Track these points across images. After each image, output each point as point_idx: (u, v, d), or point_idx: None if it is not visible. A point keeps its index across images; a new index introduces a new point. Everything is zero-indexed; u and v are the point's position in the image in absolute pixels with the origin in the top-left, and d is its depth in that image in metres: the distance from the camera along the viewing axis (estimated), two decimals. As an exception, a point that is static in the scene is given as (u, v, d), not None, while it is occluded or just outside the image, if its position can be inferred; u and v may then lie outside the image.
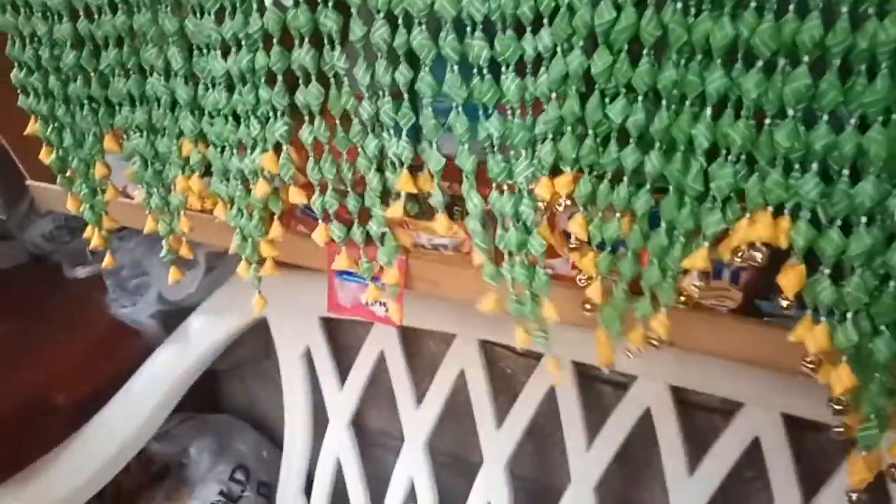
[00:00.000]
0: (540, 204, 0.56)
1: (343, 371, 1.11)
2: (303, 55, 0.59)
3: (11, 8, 0.73)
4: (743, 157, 0.48)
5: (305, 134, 0.63)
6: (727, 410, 0.85)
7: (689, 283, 0.54)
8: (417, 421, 1.05)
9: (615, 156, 0.52)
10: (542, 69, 0.52)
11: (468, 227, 0.61)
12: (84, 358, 1.18)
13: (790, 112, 0.45)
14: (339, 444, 1.14)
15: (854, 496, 0.51)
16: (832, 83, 0.43)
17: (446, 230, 0.62)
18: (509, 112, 0.55)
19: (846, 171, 0.44)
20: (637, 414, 0.89)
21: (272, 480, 1.26)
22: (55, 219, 1.27)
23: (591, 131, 0.52)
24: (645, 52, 0.48)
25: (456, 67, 0.54)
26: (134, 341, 1.19)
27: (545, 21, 0.50)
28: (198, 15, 0.63)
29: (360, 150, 0.63)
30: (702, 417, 0.90)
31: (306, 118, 0.62)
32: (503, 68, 0.53)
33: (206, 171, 0.72)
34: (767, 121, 0.46)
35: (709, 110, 0.48)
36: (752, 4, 0.44)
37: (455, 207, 0.67)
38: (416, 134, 0.60)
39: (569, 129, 0.53)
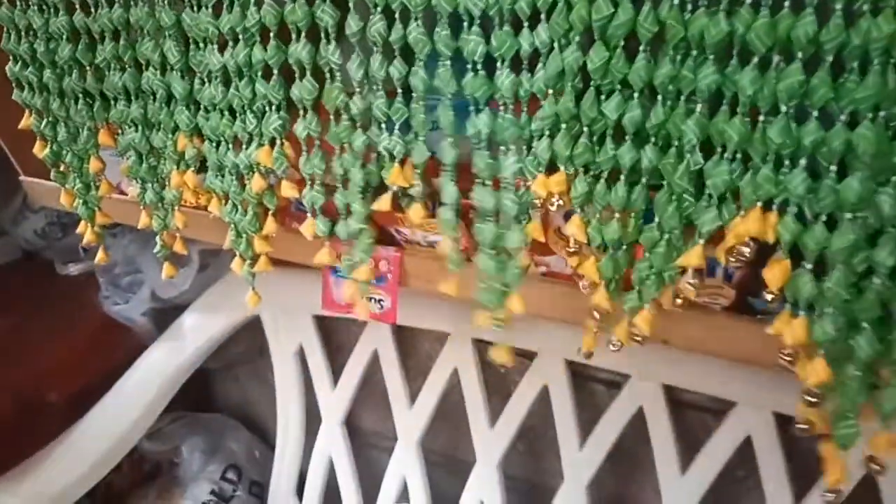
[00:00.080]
0: (536, 201, 0.56)
1: (336, 370, 1.11)
2: (299, 49, 0.59)
3: (7, 1, 0.72)
4: (738, 154, 0.48)
5: (300, 129, 0.63)
6: (719, 410, 0.85)
7: (685, 282, 0.54)
8: (410, 420, 1.05)
9: (611, 154, 0.52)
10: (539, 65, 0.52)
11: (440, 216, 0.61)
12: (76, 355, 1.18)
13: (783, 108, 0.45)
14: (332, 444, 1.13)
15: (831, 497, 0.51)
16: (824, 80, 0.43)
17: (420, 219, 0.62)
18: (501, 108, 0.55)
19: (834, 168, 0.45)
20: (630, 413, 0.89)
21: (264, 480, 1.26)
22: (48, 215, 1.27)
23: (585, 128, 0.52)
24: (641, 47, 0.48)
25: (448, 62, 0.54)
26: (126, 339, 1.18)
27: (542, 17, 0.50)
28: (195, 8, 0.63)
29: (346, 145, 0.63)
30: (694, 416, 0.90)
31: (301, 112, 0.62)
32: (498, 64, 0.53)
33: (202, 167, 0.72)
34: (761, 118, 0.46)
35: (699, 107, 0.48)
36: (748, 1, 0.44)
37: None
38: (408, 129, 0.60)
39: (564, 126, 0.53)
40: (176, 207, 0.76)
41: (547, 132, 0.54)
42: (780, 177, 0.46)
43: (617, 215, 0.54)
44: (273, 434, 1.22)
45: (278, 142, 0.65)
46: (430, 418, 1.03)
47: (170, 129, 0.70)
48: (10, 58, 0.76)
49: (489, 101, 0.55)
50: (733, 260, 0.50)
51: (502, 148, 0.57)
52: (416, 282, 0.73)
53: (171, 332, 1.16)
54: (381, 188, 0.64)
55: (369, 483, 1.12)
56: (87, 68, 0.72)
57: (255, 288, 0.76)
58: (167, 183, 0.74)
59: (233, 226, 0.72)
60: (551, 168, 0.55)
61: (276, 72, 0.61)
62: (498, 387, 1.01)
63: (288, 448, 1.19)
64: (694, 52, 0.47)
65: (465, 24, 0.53)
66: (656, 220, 0.53)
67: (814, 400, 0.50)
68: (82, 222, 0.83)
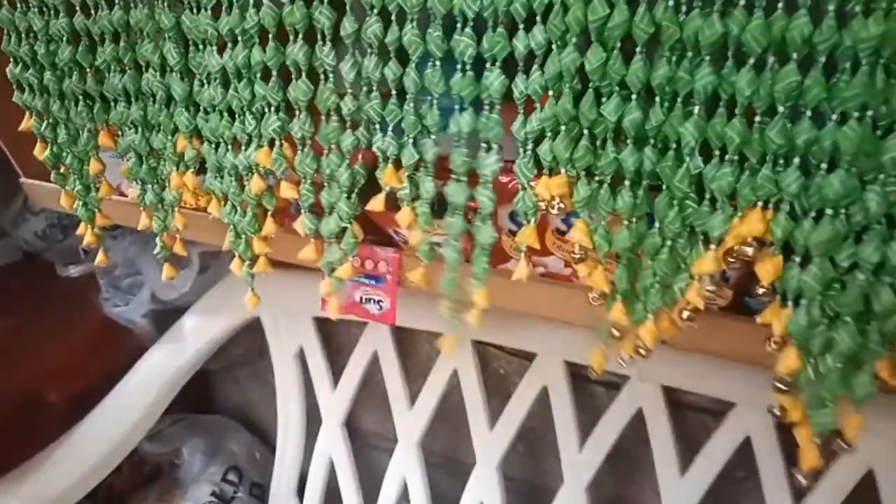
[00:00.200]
0: (542, 203, 0.57)
1: (336, 371, 1.11)
2: (296, 51, 0.59)
3: (7, 3, 0.73)
4: (736, 156, 0.48)
5: (295, 129, 0.63)
6: (719, 411, 0.85)
7: (704, 290, 0.53)
8: (410, 421, 1.05)
9: (612, 157, 0.52)
10: (535, 66, 0.53)
11: (417, 209, 0.61)
12: (76, 357, 1.18)
13: (781, 109, 0.45)
14: (332, 445, 1.13)
15: (804, 481, 0.53)
16: (817, 80, 0.43)
17: (408, 222, 0.62)
18: (487, 108, 0.55)
19: (824, 165, 0.45)
20: (629, 414, 0.89)
21: (265, 481, 1.26)
22: (48, 217, 1.27)
23: (585, 131, 0.52)
24: (638, 49, 0.48)
25: (438, 63, 0.55)
26: (127, 340, 1.19)
27: (538, 19, 0.51)
28: (194, 10, 0.63)
29: (332, 147, 0.63)
30: (693, 418, 0.90)
31: (297, 113, 0.63)
32: (488, 65, 0.54)
33: (202, 168, 0.72)
34: (757, 118, 0.47)
35: (697, 108, 0.48)
36: (741, 2, 0.44)
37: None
38: (402, 131, 0.61)
39: (563, 128, 0.53)
40: (176, 209, 0.76)
41: (548, 134, 0.54)
42: (776, 176, 0.47)
43: (626, 222, 0.54)
44: (273, 435, 1.22)
45: (277, 143, 0.65)
46: (429, 419, 1.03)
47: (169, 130, 0.71)
48: (11, 60, 0.76)
49: (474, 101, 0.55)
50: (733, 261, 0.51)
51: (483, 146, 0.57)
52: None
53: (172, 334, 1.17)
54: (377, 188, 0.64)
55: (370, 484, 1.12)
56: (88, 70, 0.72)
57: (254, 289, 0.76)
58: (167, 184, 0.74)
59: (232, 227, 0.72)
60: (546, 170, 0.56)
61: (274, 73, 0.62)
62: (497, 388, 1.01)
63: (288, 449, 1.19)
64: (690, 54, 0.47)
65: (459, 25, 0.53)
66: (657, 225, 0.53)
67: (784, 388, 0.52)
68: (82, 224, 0.83)
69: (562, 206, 0.55)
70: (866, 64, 0.42)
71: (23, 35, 0.73)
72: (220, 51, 0.64)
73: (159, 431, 1.27)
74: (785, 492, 0.82)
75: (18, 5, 0.72)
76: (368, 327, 1.06)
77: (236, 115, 0.66)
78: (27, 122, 0.79)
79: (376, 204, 0.64)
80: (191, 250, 1.08)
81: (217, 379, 1.39)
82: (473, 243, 0.61)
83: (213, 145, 0.69)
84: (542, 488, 1.03)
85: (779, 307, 0.51)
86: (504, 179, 0.64)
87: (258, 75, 0.62)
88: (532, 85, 0.52)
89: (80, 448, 1.14)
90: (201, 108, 0.68)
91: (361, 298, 0.79)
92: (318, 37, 0.58)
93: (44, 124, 0.78)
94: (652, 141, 0.51)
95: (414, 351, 1.09)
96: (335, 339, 1.14)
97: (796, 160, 0.46)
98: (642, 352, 0.57)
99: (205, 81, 0.66)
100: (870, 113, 0.43)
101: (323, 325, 1.11)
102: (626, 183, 0.52)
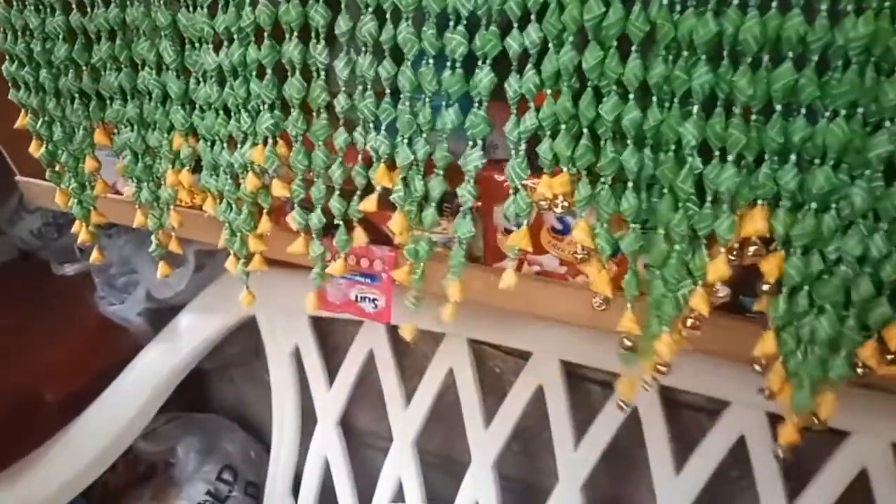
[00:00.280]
0: (543, 203, 0.57)
1: (332, 370, 1.11)
2: (291, 49, 0.59)
3: (4, 1, 0.73)
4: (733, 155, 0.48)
5: (290, 126, 0.63)
6: (713, 409, 0.86)
7: (708, 296, 0.53)
8: (406, 420, 1.05)
9: (611, 156, 0.52)
10: (529, 65, 0.53)
11: (405, 207, 0.62)
12: (72, 355, 1.18)
13: (778, 108, 0.46)
14: (328, 444, 1.13)
15: (781, 454, 0.55)
16: (811, 78, 0.44)
17: (402, 227, 0.63)
18: (476, 104, 0.55)
19: (818, 161, 0.46)
20: (625, 413, 0.89)
21: (260, 480, 1.26)
22: (44, 215, 1.27)
23: (585, 129, 0.52)
24: (634, 47, 0.48)
25: (431, 61, 0.55)
26: (122, 339, 1.18)
27: (532, 17, 0.51)
28: (190, 9, 0.63)
29: (318, 144, 0.63)
30: (688, 417, 0.91)
31: (292, 111, 0.63)
32: (479, 63, 0.54)
33: (197, 166, 0.72)
34: (753, 117, 0.47)
35: (696, 108, 0.48)
36: (735, 1, 0.44)
37: (445, 204, 0.67)
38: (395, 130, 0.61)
39: (564, 126, 0.53)
40: (171, 206, 0.76)
41: (548, 133, 0.54)
42: (774, 174, 0.47)
43: (633, 226, 0.54)
44: (269, 434, 1.22)
45: (270, 141, 0.65)
46: (425, 418, 1.04)
47: (165, 128, 0.71)
48: (7, 57, 0.76)
49: (461, 98, 0.56)
50: (733, 258, 0.51)
51: (469, 144, 0.57)
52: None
53: (167, 333, 1.16)
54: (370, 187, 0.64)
55: (365, 483, 1.12)
56: (84, 68, 0.72)
57: (249, 287, 0.76)
58: (162, 182, 0.74)
59: (227, 225, 0.72)
60: (540, 170, 0.56)
61: (269, 71, 0.62)
62: (493, 387, 1.01)
63: (283, 448, 1.19)
64: (685, 53, 0.47)
65: (452, 23, 0.53)
66: (660, 231, 0.52)
67: (759, 369, 0.54)
68: (77, 222, 0.83)
69: (565, 204, 0.55)
70: (856, 62, 0.42)
71: (19, 33, 0.73)
72: (216, 49, 0.64)
73: (154, 430, 1.27)
74: (779, 491, 0.82)
75: (14, 3, 0.72)
76: (364, 326, 1.06)
77: (232, 113, 0.66)
78: (22, 120, 0.79)
79: (368, 205, 0.64)
80: (186, 249, 1.08)
81: (212, 378, 1.39)
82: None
83: (209, 143, 0.69)
84: (537, 487, 1.04)
85: (772, 296, 0.52)
86: (500, 178, 0.64)
87: (254, 73, 0.63)
88: (526, 84, 0.52)
89: (75, 446, 1.14)
90: (197, 106, 0.68)
91: (356, 297, 0.79)
92: (313, 35, 0.59)
93: (39, 122, 0.78)
94: (651, 142, 0.51)
95: (409, 350, 1.09)
96: (331, 338, 1.14)
97: (793, 157, 0.46)
98: (662, 368, 0.56)
99: (201, 79, 0.66)
100: (860, 110, 0.43)
101: (318, 324, 1.11)
102: (630, 184, 0.52)
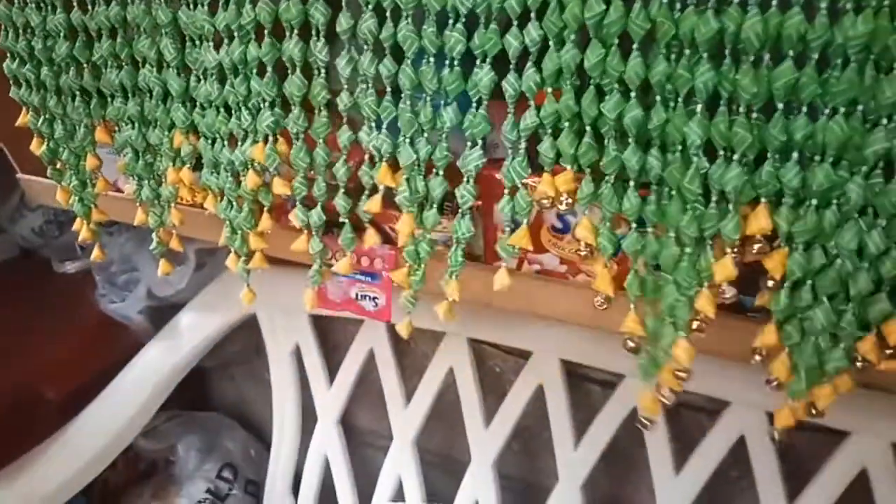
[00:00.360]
0: (545, 201, 0.57)
1: (332, 369, 1.11)
2: (291, 47, 0.59)
3: (5, -2, 0.73)
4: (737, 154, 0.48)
5: (290, 124, 0.63)
6: (713, 409, 0.85)
7: (714, 298, 0.52)
8: (406, 419, 1.05)
9: (613, 155, 0.52)
10: (529, 64, 0.53)
11: (408, 208, 0.62)
12: (73, 353, 1.18)
13: (780, 106, 0.46)
14: (328, 443, 1.14)
15: (776, 435, 0.57)
16: (812, 76, 0.44)
17: (410, 229, 0.62)
18: (476, 103, 0.55)
19: (818, 158, 0.46)
20: (624, 413, 0.89)
21: (260, 479, 1.26)
22: (45, 213, 1.27)
23: (588, 127, 0.52)
24: (635, 45, 0.48)
25: (431, 60, 0.55)
26: (122, 337, 1.19)
27: (532, 15, 0.51)
28: (191, 6, 0.63)
29: (319, 142, 0.63)
30: (688, 416, 0.91)
31: (293, 108, 0.63)
32: (478, 61, 0.54)
33: (198, 164, 0.72)
34: (753, 115, 0.47)
35: (700, 107, 0.48)
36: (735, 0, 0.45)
37: (445, 203, 0.67)
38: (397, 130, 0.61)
39: (567, 124, 0.53)
40: (172, 204, 0.76)
41: (548, 131, 0.54)
42: (776, 172, 0.48)
43: (634, 224, 0.54)
44: (269, 433, 1.22)
45: (271, 138, 0.65)
46: (425, 417, 1.04)
47: (166, 126, 0.71)
48: (8, 55, 0.76)
49: (459, 96, 0.56)
50: (735, 256, 0.51)
51: (468, 143, 0.57)
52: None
53: (168, 331, 1.17)
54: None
55: (365, 482, 1.12)
56: (85, 66, 0.72)
57: (249, 285, 0.76)
58: (163, 180, 0.74)
59: (228, 222, 0.72)
60: (539, 168, 0.56)
61: (269, 69, 0.62)
62: (493, 386, 1.01)
63: (284, 447, 1.19)
64: (687, 51, 0.47)
65: (451, 21, 0.53)
66: (670, 233, 0.52)
67: (759, 358, 0.54)
68: (78, 219, 0.83)
69: (569, 201, 0.55)
70: (855, 61, 0.43)
71: (20, 30, 0.73)
72: (217, 46, 0.64)
73: (155, 428, 1.27)
74: (779, 491, 0.82)
75: (16, 0, 0.72)
76: (364, 325, 1.06)
77: (232, 111, 0.66)
78: (24, 118, 0.80)
79: (372, 205, 0.64)
80: (187, 247, 1.08)
81: (213, 376, 1.39)
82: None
83: (210, 141, 0.69)
84: (537, 486, 1.03)
85: (773, 291, 0.52)
86: (500, 177, 0.64)
87: (254, 71, 0.63)
88: (527, 82, 0.53)
89: (75, 444, 1.14)
90: (198, 103, 0.68)
91: (357, 295, 0.79)
92: (314, 32, 0.59)
93: (40, 120, 0.78)
94: (657, 142, 0.51)
95: (410, 349, 1.09)
96: (331, 336, 1.14)
97: (795, 155, 0.47)
98: (682, 375, 0.56)
99: (201, 77, 0.66)
100: (860, 107, 0.44)
101: (319, 322, 1.11)
102: (632, 184, 0.52)
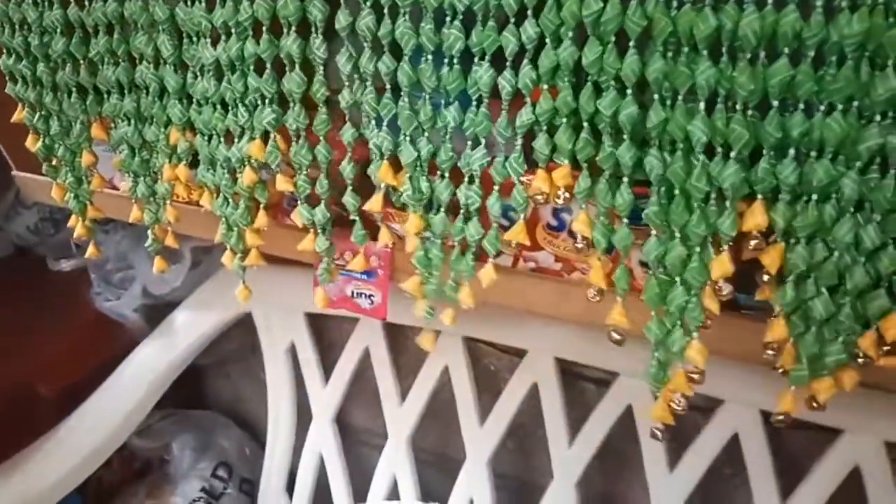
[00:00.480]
0: (539, 197, 0.57)
1: (328, 367, 1.11)
2: (289, 43, 0.59)
3: (1, -5, 0.73)
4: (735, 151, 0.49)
5: (290, 121, 0.63)
6: (707, 407, 0.86)
7: (718, 293, 0.52)
8: (401, 418, 1.05)
9: (609, 151, 0.52)
10: (525, 61, 0.53)
11: (412, 212, 0.62)
12: (68, 350, 1.18)
13: (775, 103, 0.46)
14: (323, 441, 1.13)
15: (779, 418, 0.56)
16: (808, 74, 0.44)
17: (418, 229, 0.63)
18: (476, 102, 0.55)
19: (814, 154, 0.47)
20: (619, 411, 0.89)
21: (255, 477, 1.26)
22: (40, 211, 1.27)
23: (585, 123, 0.53)
24: (631, 43, 0.49)
25: (430, 57, 0.55)
26: (118, 335, 1.18)
27: (529, 13, 0.51)
28: (188, 3, 0.63)
29: (321, 138, 0.63)
30: (682, 414, 0.91)
31: (291, 105, 0.63)
32: (476, 59, 0.54)
33: (194, 161, 0.72)
34: (749, 112, 0.47)
35: (702, 104, 0.48)
36: (731, -2, 0.45)
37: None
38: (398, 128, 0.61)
39: (564, 120, 0.53)
40: (168, 201, 0.76)
41: (544, 127, 0.54)
42: (772, 168, 0.48)
43: (626, 220, 0.54)
44: (264, 432, 1.22)
45: (272, 135, 0.65)
46: (420, 416, 1.04)
47: (162, 122, 0.71)
48: (4, 51, 0.76)
49: (460, 94, 0.56)
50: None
51: (470, 143, 0.57)
52: (406, 277, 0.73)
53: (163, 329, 1.16)
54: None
55: (359, 480, 1.12)
56: (81, 62, 0.72)
57: (245, 282, 0.76)
58: (159, 176, 0.74)
59: (224, 219, 0.72)
60: (542, 164, 0.56)
61: (268, 66, 0.62)
62: (488, 385, 1.02)
63: (278, 445, 1.19)
64: (686, 48, 0.48)
65: (448, 18, 0.53)
66: (677, 235, 0.52)
67: (772, 352, 0.54)
68: (73, 216, 0.83)
69: (566, 196, 0.56)
70: (851, 58, 0.43)
71: (16, 26, 0.73)
72: (214, 43, 0.64)
73: (149, 426, 1.26)
74: (773, 488, 0.82)
75: (12, -3, 0.72)
76: (360, 323, 1.06)
77: (229, 108, 0.66)
78: (19, 114, 0.79)
79: (374, 205, 0.64)
80: (183, 245, 1.08)
81: (208, 374, 1.39)
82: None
83: (206, 137, 0.69)
84: (531, 484, 1.04)
85: (776, 286, 0.52)
86: (494, 173, 0.64)
87: (251, 67, 0.63)
88: (523, 79, 0.53)
89: (70, 442, 1.14)
90: (194, 100, 0.68)
91: (353, 293, 0.79)
92: (312, 29, 0.59)
93: (36, 116, 0.78)
94: (656, 141, 0.51)
95: (405, 347, 1.09)
96: (327, 334, 1.14)
97: (791, 151, 0.47)
98: (696, 377, 0.55)
99: (198, 74, 0.67)
100: (856, 104, 0.44)
101: (315, 320, 1.11)
102: (625, 180, 0.53)
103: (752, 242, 0.50)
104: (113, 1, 0.67)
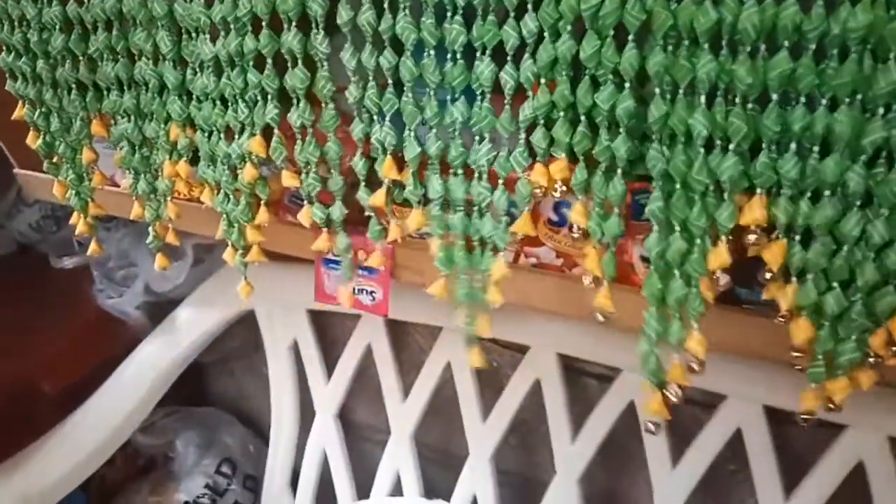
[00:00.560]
0: (538, 191, 0.57)
1: (330, 364, 1.11)
2: (290, 39, 0.59)
3: (0, -9, 0.73)
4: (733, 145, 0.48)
5: (294, 117, 0.63)
6: (710, 403, 0.85)
7: (713, 285, 0.52)
8: (404, 414, 1.05)
9: (605, 144, 0.52)
10: (526, 55, 0.53)
11: (429, 212, 0.61)
12: (70, 348, 1.18)
13: (774, 96, 0.46)
14: (326, 438, 1.14)
15: (806, 418, 0.56)
16: (809, 67, 0.44)
17: (420, 224, 0.62)
18: (479, 96, 0.55)
19: (816, 148, 0.46)
20: (621, 407, 0.89)
21: (258, 474, 1.26)
22: (42, 208, 1.27)
23: (583, 117, 0.52)
24: (630, 36, 0.48)
25: (433, 52, 0.55)
26: (120, 332, 1.18)
27: (529, 7, 0.51)
28: (187, -1, 0.63)
29: (330, 134, 0.63)
30: (685, 410, 0.90)
31: (294, 101, 0.63)
32: (478, 53, 0.54)
33: (195, 158, 0.72)
34: (749, 106, 0.47)
35: (703, 98, 0.48)
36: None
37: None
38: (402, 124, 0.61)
39: (562, 114, 0.53)
40: (168, 198, 0.76)
41: (540, 121, 0.54)
42: (773, 163, 0.48)
43: (616, 210, 0.54)
44: (267, 428, 1.22)
45: (276, 131, 0.65)
46: (423, 412, 1.04)
47: (162, 119, 0.71)
48: (3, 48, 0.76)
49: (466, 90, 0.56)
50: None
51: (476, 138, 0.57)
52: (407, 273, 0.73)
53: (165, 326, 1.16)
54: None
55: (363, 476, 1.12)
56: (80, 59, 0.72)
57: (247, 278, 0.76)
58: (160, 173, 0.74)
59: (225, 215, 0.72)
60: (541, 158, 0.56)
61: (269, 61, 0.62)
62: (490, 381, 1.01)
63: (282, 442, 1.19)
64: (686, 42, 0.47)
65: (449, 13, 0.53)
66: (677, 229, 0.52)
67: (798, 355, 0.53)
68: (75, 213, 0.83)
69: (563, 188, 0.56)
70: (855, 52, 0.43)
71: (15, 23, 0.73)
72: (213, 39, 0.64)
73: (153, 423, 1.27)
74: (776, 484, 0.82)
75: (11, -7, 0.72)
76: (362, 320, 1.06)
77: (229, 104, 0.66)
78: (20, 111, 0.79)
79: (377, 199, 0.64)
80: (185, 242, 1.08)
81: (211, 371, 1.39)
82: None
83: (206, 134, 0.69)
84: (534, 480, 1.03)
85: (782, 284, 0.52)
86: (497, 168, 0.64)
87: (251, 63, 0.63)
88: (525, 73, 0.53)
89: (73, 439, 1.14)
90: (194, 96, 0.68)
91: (354, 289, 0.79)
92: (313, 25, 0.59)
93: (36, 113, 0.78)
94: (657, 136, 0.50)
95: (407, 344, 1.09)
96: (329, 331, 1.14)
97: (793, 146, 0.47)
98: (695, 367, 0.55)
99: (197, 70, 0.66)
100: (859, 97, 0.44)
101: (317, 317, 1.11)
102: (619, 171, 0.52)
103: (752, 237, 0.50)
104: (112, -3, 0.67)
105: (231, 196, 0.71)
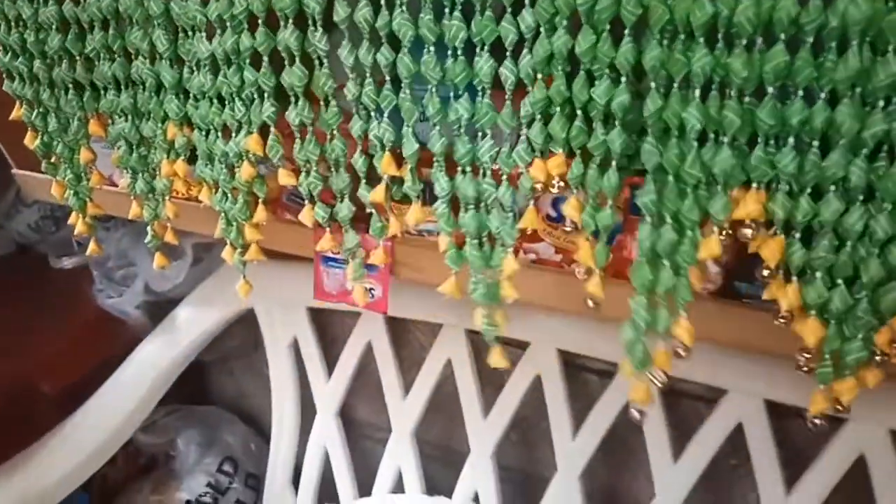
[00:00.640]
0: (537, 186, 0.57)
1: (331, 362, 1.11)
2: (287, 36, 0.59)
3: (-4, -9, 0.73)
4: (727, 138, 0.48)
5: (292, 115, 0.63)
6: (711, 398, 0.86)
7: (703, 275, 0.53)
8: (404, 411, 1.05)
9: (601, 139, 0.52)
10: (525, 51, 0.53)
11: (435, 210, 0.61)
12: (70, 348, 1.18)
13: (770, 90, 0.46)
14: (327, 435, 1.14)
15: (817, 422, 0.55)
16: (807, 60, 0.44)
17: (419, 220, 0.62)
18: (480, 93, 0.55)
19: (816, 143, 0.46)
20: (622, 402, 0.89)
21: (260, 472, 1.26)
22: (41, 209, 1.27)
23: (579, 112, 0.52)
24: (626, 31, 0.48)
25: (433, 48, 0.55)
26: (120, 332, 1.18)
27: (526, 2, 0.51)
28: (183, -4, 0.63)
29: (334, 132, 0.63)
30: (686, 405, 0.91)
31: (292, 100, 0.62)
32: (478, 49, 0.54)
33: (192, 157, 0.72)
34: (746, 99, 0.47)
35: (698, 91, 0.48)
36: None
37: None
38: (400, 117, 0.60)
39: (558, 109, 0.53)
40: (166, 197, 0.76)
41: (539, 116, 0.54)
42: (769, 157, 0.47)
43: (610, 202, 0.54)
44: (268, 426, 1.22)
45: (272, 130, 0.65)
46: (423, 409, 1.04)
47: (159, 118, 0.70)
48: (0, 48, 0.76)
49: (468, 86, 0.56)
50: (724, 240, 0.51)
51: (479, 134, 0.57)
52: (406, 270, 0.73)
53: (165, 326, 1.17)
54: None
55: (364, 474, 1.12)
56: (77, 58, 0.72)
57: (245, 276, 0.76)
58: (157, 172, 0.74)
59: (223, 214, 0.72)
60: (538, 153, 0.56)
61: (266, 59, 0.61)
62: (491, 377, 1.01)
63: (283, 440, 1.19)
64: (682, 36, 0.47)
65: (447, 9, 0.53)
66: (668, 220, 0.52)
67: (808, 356, 0.53)
68: (73, 213, 0.83)
69: (561, 184, 0.55)
70: (856, 44, 0.42)
71: (12, 23, 0.73)
72: (210, 37, 0.63)
73: (154, 422, 1.27)
74: (777, 478, 0.82)
75: (7, -7, 0.72)
76: (362, 318, 1.06)
77: (226, 102, 0.66)
78: (17, 112, 0.79)
79: (377, 195, 0.63)
80: (184, 242, 1.08)
81: (212, 370, 1.39)
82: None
83: (203, 132, 0.69)
84: (535, 476, 1.04)
85: (783, 283, 0.51)
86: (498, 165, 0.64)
87: (247, 61, 0.62)
88: (525, 68, 0.53)
89: (74, 439, 1.14)
90: (191, 95, 0.68)
91: (349, 279, 0.78)
92: (310, 22, 0.58)
93: (34, 113, 0.78)
94: (652, 129, 0.50)
95: (408, 341, 1.09)
96: (329, 329, 1.14)
97: (791, 140, 0.46)
98: (682, 353, 0.55)
99: (194, 68, 0.66)
100: (859, 90, 0.43)
101: (317, 315, 1.11)
102: (613, 164, 0.52)
103: (748, 231, 0.49)
104: (108, -4, 0.66)
105: (229, 194, 0.71)
